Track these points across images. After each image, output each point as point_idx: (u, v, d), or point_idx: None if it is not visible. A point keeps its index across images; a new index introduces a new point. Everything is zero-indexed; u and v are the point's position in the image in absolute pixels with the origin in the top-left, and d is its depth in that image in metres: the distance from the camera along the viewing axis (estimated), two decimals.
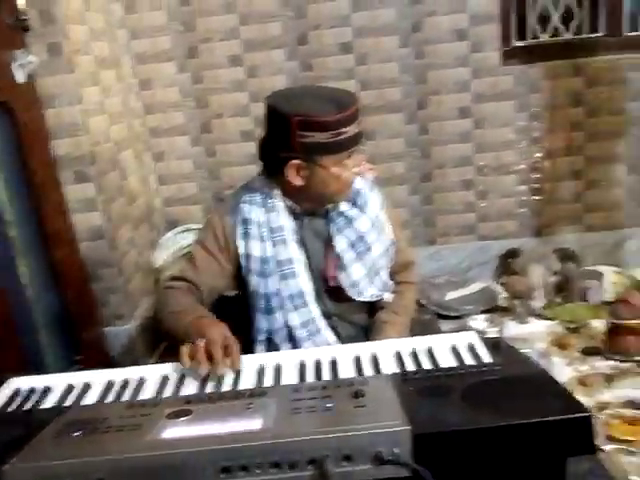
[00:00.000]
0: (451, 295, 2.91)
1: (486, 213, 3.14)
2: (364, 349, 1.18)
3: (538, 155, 3.06)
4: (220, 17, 2.87)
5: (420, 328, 1.74)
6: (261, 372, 1.12)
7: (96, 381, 1.13)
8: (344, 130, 1.35)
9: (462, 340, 1.17)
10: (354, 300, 1.53)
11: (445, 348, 1.15)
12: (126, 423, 0.87)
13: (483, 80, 2.95)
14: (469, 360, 1.08)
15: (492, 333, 2.33)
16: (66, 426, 0.88)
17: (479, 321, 2.63)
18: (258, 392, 0.96)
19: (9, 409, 1.06)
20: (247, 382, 1.10)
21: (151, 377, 1.13)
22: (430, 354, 1.13)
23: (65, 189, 2.33)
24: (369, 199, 1.55)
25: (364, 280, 1.53)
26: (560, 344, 2.40)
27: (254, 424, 0.82)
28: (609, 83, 2.95)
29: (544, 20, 3.00)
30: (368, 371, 1.09)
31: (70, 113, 2.27)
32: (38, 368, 2.14)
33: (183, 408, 0.90)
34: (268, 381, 1.09)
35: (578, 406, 0.83)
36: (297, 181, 1.42)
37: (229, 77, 2.95)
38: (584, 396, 1.99)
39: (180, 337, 1.26)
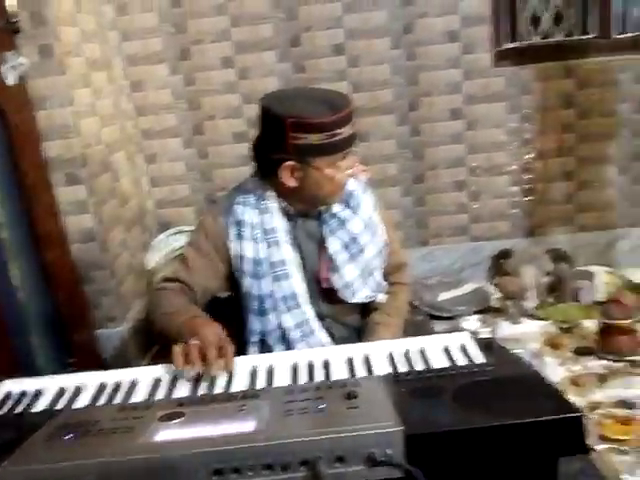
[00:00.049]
0: (444, 296, 2.91)
1: (478, 214, 3.15)
2: (357, 350, 1.18)
3: (530, 156, 3.08)
4: (211, 19, 2.87)
5: (413, 329, 1.75)
6: (254, 374, 1.12)
7: (88, 384, 1.13)
8: (338, 132, 1.36)
9: (454, 341, 1.17)
10: (347, 301, 1.53)
11: (437, 349, 1.15)
12: (118, 426, 0.87)
13: (475, 82, 2.96)
14: (461, 361, 1.08)
15: (485, 334, 2.32)
16: (58, 429, 0.88)
17: (472, 322, 2.63)
18: (251, 394, 0.96)
19: (0, 412, 1.05)
20: (240, 384, 1.09)
21: (143, 379, 1.13)
22: (422, 355, 1.13)
23: (56, 191, 2.32)
24: (362, 200, 1.56)
25: (357, 281, 1.53)
26: (552, 344, 2.41)
27: (246, 426, 0.82)
28: (600, 85, 2.97)
29: (535, 22, 3.02)
30: (361, 372, 1.09)
31: (61, 115, 2.26)
32: (30, 371, 2.14)
33: (175, 410, 0.90)
34: (261, 383, 1.09)
35: (569, 406, 0.84)
36: (291, 182, 1.42)
37: (221, 79, 2.95)
38: (577, 396, 2.00)
39: (173, 337, 1.26)
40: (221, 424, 0.84)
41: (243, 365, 1.16)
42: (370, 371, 1.09)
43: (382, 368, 1.09)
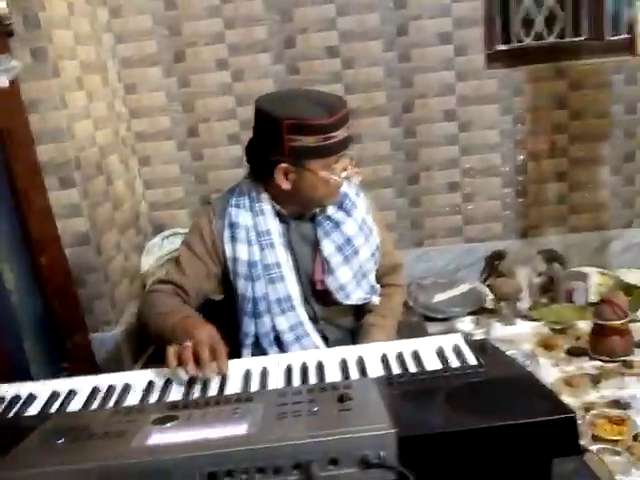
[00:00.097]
0: (438, 297, 2.92)
1: (472, 215, 3.16)
2: (350, 352, 1.18)
3: (523, 157, 3.09)
4: (206, 21, 2.87)
5: (407, 330, 1.75)
6: (247, 377, 1.12)
7: (81, 387, 1.12)
8: (334, 134, 1.36)
9: (448, 342, 1.17)
10: (341, 304, 1.54)
11: (431, 350, 1.15)
12: (111, 430, 0.86)
13: (468, 83, 2.97)
14: (455, 362, 1.09)
15: (479, 335, 2.34)
16: (50, 433, 0.87)
17: (466, 323, 2.64)
18: (244, 397, 0.96)
19: None
20: (233, 387, 1.09)
21: (137, 383, 1.13)
22: (416, 357, 1.13)
23: (50, 194, 2.32)
24: (356, 202, 1.56)
25: (351, 283, 1.53)
26: (546, 345, 2.42)
27: (240, 429, 0.82)
28: (594, 86, 2.99)
29: (528, 24, 3.03)
30: (354, 374, 1.09)
31: (55, 118, 2.26)
32: (23, 374, 2.13)
33: (169, 414, 0.90)
34: (254, 385, 1.09)
35: (563, 407, 0.84)
36: (286, 185, 1.42)
37: (215, 81, 2.95)
38: (570, 396, 2.01)
39: (167, 338, 1.26)
40: (215, 427, 0.84)
41: (237, 368, 1.16)
42: (364, 373, 1.09)
43: (376, 370, 1.09)
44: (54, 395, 1.10)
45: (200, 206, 3.05)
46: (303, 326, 1.51)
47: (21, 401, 1.09)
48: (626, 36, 2.91)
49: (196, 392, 1.08)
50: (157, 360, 1.20)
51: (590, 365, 2.23)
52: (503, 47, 3.02)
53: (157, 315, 1.39)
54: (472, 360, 1.08)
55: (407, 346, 1.18)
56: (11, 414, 1.05)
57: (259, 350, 1.52)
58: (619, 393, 2.02)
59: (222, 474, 0.76)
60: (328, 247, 1.51)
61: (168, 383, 1.12)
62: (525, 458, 0.82)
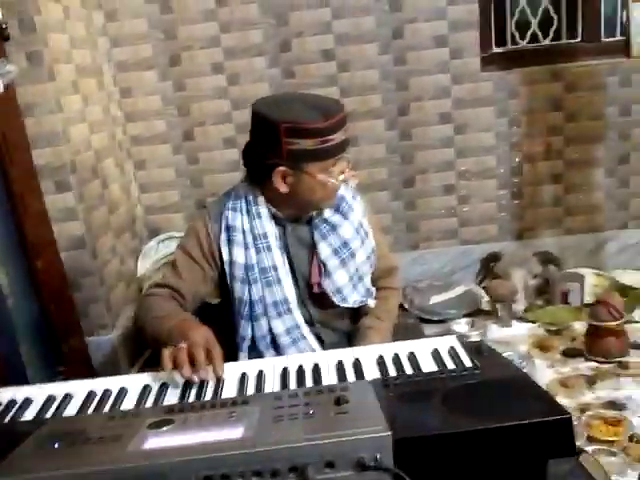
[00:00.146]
0: (434, 299, 2.93)
1: (468, 217, 3.17)
2: (347, 355, 1.18)
3: (518, 160, 3.10)
4: (201, 25, 2.87)
5: (404, 333, 1.75)
6: (243, 380, 1.12)
7: (77, 392, 1.12)
8: (331, 137, 1.36)
9: (443, 344, 1.18)
10: (338, 306, 1.54)
11: (427, 352, 1.16)
12: (107, 434, 0.87)
13: (463, 86, 2.98)
14: (450, 364, 1.09)
15: (475, 336, 2.34)
16: (46, 438, 0.87)
17: (462, 325, 2.64)
18: (240, 400, 0.96)
19: None
20: (229, 390, 1.10)
21: (132, 387, 1.13)
22: (412, 359, 1.13)
23: (46, 198, 2.31)
24: (352, 205, 1.56)
25: (348, 286, 1.53)
26: (542, 346, 2.43)
27: (236, 433, 0.82)
28: (589, 88, 3.00)
29: (523, 27, 3.05)
30: (351, 377, 1.09)
31: (50, 122, 2.26)
32: (19, 379, 2.12)
33: (165, 418, 0.90)
34: (251, 389, 1.09)
35: (558, 408, 0.84)
36: (283, 188, 1.42)
37: (211, 85, 2.95)
38: (566, 398, 2.01)
39: (164, 341, 1.25)
40: (210, 431, 0.84)
41: (233, 371, 1.16)
42: (360, 376, 1.09)
43: (372, 372, 1.10)
44: (50, 399, 1.10)
45: (196, 210, 3.05)
46: (299, 329, 1.51)
47: (17, 405, 1.09)
48: (620, 38, 2.92)
49: (192, 396, 1.08)
50: (154, 364, 1.20)
51: (586, 366, 2.24)
52: (498, 50, 3.03)
53: (153, 319, 1.39)
54: (468, 362, 1.08)
55: (403, 348, 1.18)
56: (7, 418, 1.05)
57: (255, 353, 1.52)
58: (614, 394, 2.03)
59: (218, 478, 0.77)
60: (325, 250, 1.51)
61: (164, 387, 1.12)
62: (521, 459, 0.83)
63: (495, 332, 2.61)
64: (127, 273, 2.79)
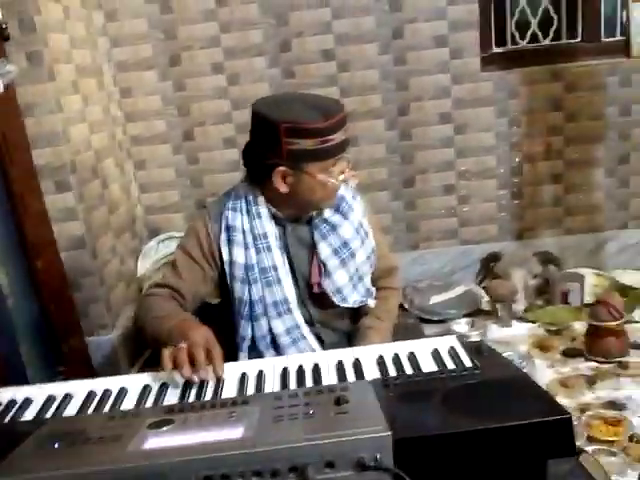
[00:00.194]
0: (434, 299, 2.93)
1: (468, 217, 3.17)
2: (347, 355, 1.18)
3: (518, 159, 3.10)
4: (201, 25, 2.87)
5: (404, 333, 1.75)
6: (243, 380, 1.12)
7: (77, 392, 1.12)
8: (331, 137, 1.36)
9: (443, 344, 1.18)
10: (338, 306, 1.54)
11: (427, 352, 1.15)
12: (107, 434, 0.87)
13: (463, 86, 2.98)
14: (450, 364, 1.09)
15: (475, 336, 2.34)
16: (46, 438, 0.87)
17: (462, 325, 2.64)
18: (240, 400, 0.96)
19: None
20: (229, 390, 1.09)
21: (132, 387, 1.13)
22: (412, 359, 1.13)
23: (46, 198, 2.31)
24: (352, 205, 1.56)
25: (348, 286, 1.53)
26: (541, 346, 2.43)
27: (236, 433, 0.82)
28: (589, 88, 3.00)
29: (523, 27, 3.05)
30: (351, 377, 1.09)
31: (50, 122, 2.26)
32: (19, 379, 2.12)
33: (165, 418, 0.90)
34: (251, 389, 1.09)
35: (558, 408, 0.84)
36: (283, 188, 1.42)
37: (211, 85, 2.95)
38: (566, 398, 2.01)
39: (164, 341, 1.25)
40: (210, 431, 0.84)
41: (233, 371, 1.16)
42: (360, 376, 1.09)
43: (372, 372, 1.10)
44: (50, 399, 1.10)
45: (196, 210, 3.05)
46: (299, 329, 1.51)
47: (17, 405, 1.09)
48: (620, 38, 2.92)
49: (192, 396, 1.08)
50: (154, 364, 1.20)
51: (585, 366, 2.24)
52: (498, 50, 3.03)
53: (153, 319, 1.39)
54: (468, 362, 1.08)
55: (403, 348, 1.18)
56: (7, 418, 1.05)
57: (255, 353, 1.52)
58: (614, 394, 2.03)
59: (218, 478, 0.77)
60: (325, 250, 1.51)
61: (164, 387, 1.12)
62: (521, 459, 0.83)
63: (495, 332, 2.61)
64: (127, 273, 2.79)
